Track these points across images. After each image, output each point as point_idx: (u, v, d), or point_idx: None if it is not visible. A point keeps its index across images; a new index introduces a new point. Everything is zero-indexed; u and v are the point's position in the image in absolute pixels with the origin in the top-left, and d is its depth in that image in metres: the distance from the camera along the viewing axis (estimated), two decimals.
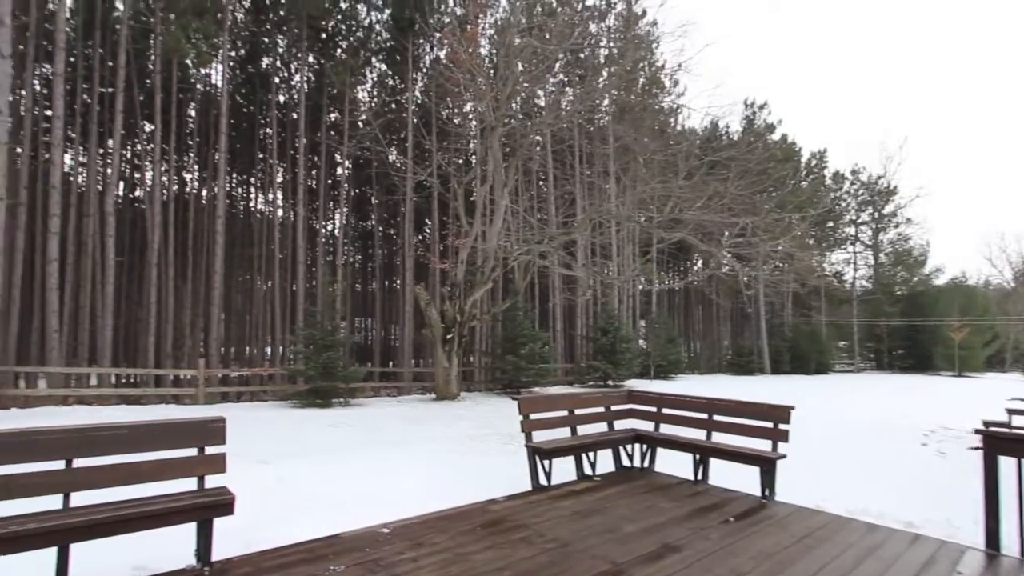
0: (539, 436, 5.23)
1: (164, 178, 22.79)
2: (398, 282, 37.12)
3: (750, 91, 48.01)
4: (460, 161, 26.32)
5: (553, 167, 21.63)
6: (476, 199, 14.83)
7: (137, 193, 29.00)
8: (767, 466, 4.71)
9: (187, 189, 28.11)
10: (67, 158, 22.08)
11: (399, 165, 30.28)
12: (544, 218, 15.49)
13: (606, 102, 21.71)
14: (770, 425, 4.94)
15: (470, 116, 24.07)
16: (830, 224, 39.77)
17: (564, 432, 5.54)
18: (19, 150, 16.83)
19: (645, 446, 5.73)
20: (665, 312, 32.65)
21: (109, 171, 18.39)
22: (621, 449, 5.76)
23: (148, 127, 22.86)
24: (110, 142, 19.40)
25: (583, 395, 6.10)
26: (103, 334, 16.00)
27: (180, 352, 21.21)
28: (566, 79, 21.02)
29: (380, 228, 32.09)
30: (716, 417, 5.38)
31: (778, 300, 33.85)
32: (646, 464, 5.71)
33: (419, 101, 25.86)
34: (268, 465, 6.54)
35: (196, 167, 27.86)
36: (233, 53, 26.28)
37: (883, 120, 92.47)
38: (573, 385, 18.27)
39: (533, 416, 5.29)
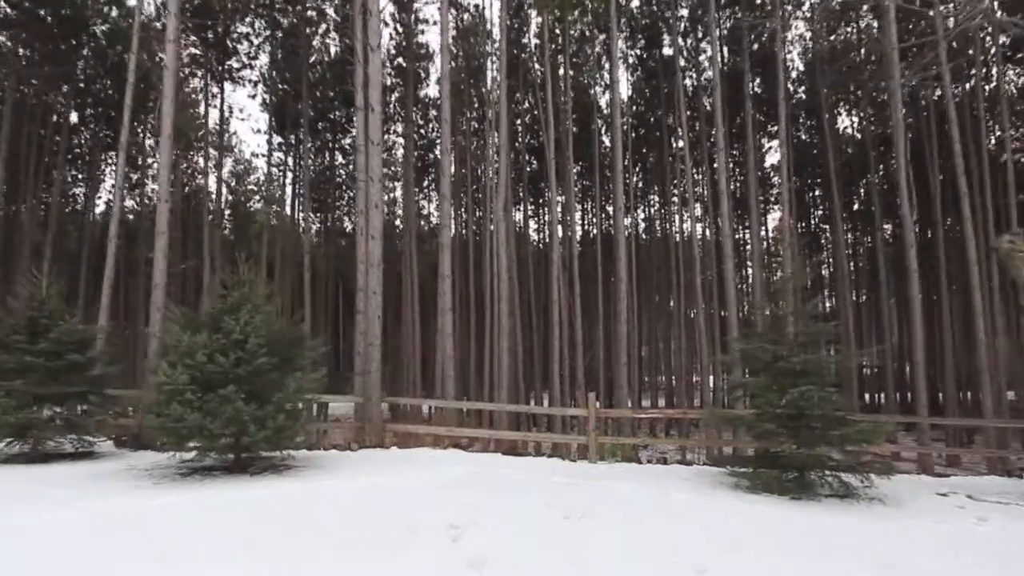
0: None
1: (559, 207, 20.68)
2: (866, 292, 26.19)
3: None
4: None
5: None
6: None
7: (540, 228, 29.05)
8: None
9: (593, 218, 26.20)
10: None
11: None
12: None
13: None
14: None
15: None
16: None
17: None
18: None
19: None
20: None
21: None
22: None
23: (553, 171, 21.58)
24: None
25: None
26: (500, 360, 13.41)
27: (591, 380, 17.61)
28: None
29: (843, 215, 22.72)
30: None
31: None
32: None
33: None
34: None
35: (606, 197, 25.38)
36: (629, 45, 23.16)
37: None
38: None
39: None
